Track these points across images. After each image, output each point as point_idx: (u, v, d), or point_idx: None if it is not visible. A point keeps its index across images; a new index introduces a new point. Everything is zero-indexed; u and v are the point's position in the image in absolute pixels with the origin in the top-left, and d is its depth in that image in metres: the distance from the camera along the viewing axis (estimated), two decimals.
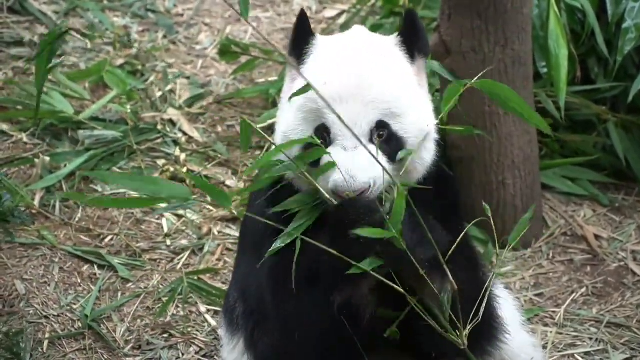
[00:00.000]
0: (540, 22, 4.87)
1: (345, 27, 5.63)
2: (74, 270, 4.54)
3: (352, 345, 3.25)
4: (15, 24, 5.76)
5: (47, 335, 4.25)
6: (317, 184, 3.19)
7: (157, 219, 4.81)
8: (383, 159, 3.23)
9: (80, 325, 4.31)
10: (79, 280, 4.51)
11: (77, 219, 4.76)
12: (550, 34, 4.59)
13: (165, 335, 4.32)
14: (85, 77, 5.40)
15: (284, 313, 3.30)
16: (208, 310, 4.41)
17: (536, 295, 4.59)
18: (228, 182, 4.98)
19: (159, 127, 5.17)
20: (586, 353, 4.32)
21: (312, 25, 4.24)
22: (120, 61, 5.53)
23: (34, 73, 5.40)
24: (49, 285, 4.47)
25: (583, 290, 4.62)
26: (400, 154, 3.27)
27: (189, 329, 4.34)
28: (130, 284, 4.52)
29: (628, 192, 5.06)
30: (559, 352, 4.31)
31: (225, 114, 5.35)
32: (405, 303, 3.19)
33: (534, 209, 4.54)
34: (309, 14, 5.45)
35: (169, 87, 5.43)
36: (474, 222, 3.42)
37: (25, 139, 5.08)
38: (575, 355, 4.30)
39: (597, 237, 4.84)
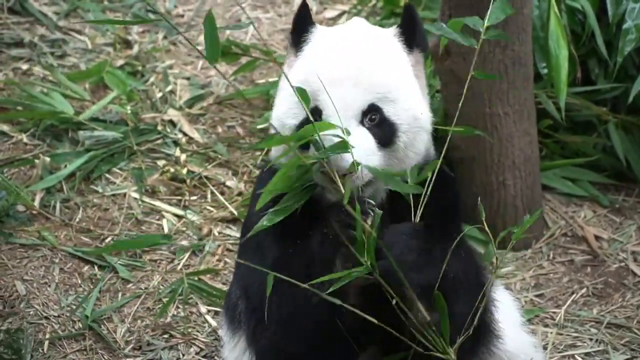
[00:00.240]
0: (540, 22, 4.86)
1: None
2: (74, 271, 4.54)
3: (347, 341, 3.25)
4: (16, 25, 5.75)
5: (47, 336, 4.25)
6: (324, 161, 3.16)
7: (158, 219, 4.80)
8: (374, 143, 3.25)
9: (81, 325, 4.31)
10: (80, 281, 4.50)
11: (77, 220, 4.76)
12: (550, 35, 4.58)
13: (166, 336, 4.32)
14: (86, 77, 5.39)
15: (280, 309, 3.30)
16: (208, 311, 4.41)
17: (536, 295, 4.59)
18: (228, 183, 4.97)
19: (159, 127, 5.17)
20: (586, 354, 4.31)
21: None
22: (120, 62, 5.52)
23: (34, 74, 5.41)
24: (49, 285, 4.46)
25: (583, 290, 4.62)
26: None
27: (190, 330, 4.34)
28: (130, 285, 4.51)
29: (628, 193, 5.06)
30: (559, 352, 4.31)
31: (225, 114, 5.34)
32: (392, 310, 3.19)
33: (540, 212, 4.55)
34: None
35: (169, 88, 5.43)
36: (474, 226, 3.43)
37: (25, 140, 5.07)
38: (576, 356, 4.30)
39: (597, 237, 4.84)
